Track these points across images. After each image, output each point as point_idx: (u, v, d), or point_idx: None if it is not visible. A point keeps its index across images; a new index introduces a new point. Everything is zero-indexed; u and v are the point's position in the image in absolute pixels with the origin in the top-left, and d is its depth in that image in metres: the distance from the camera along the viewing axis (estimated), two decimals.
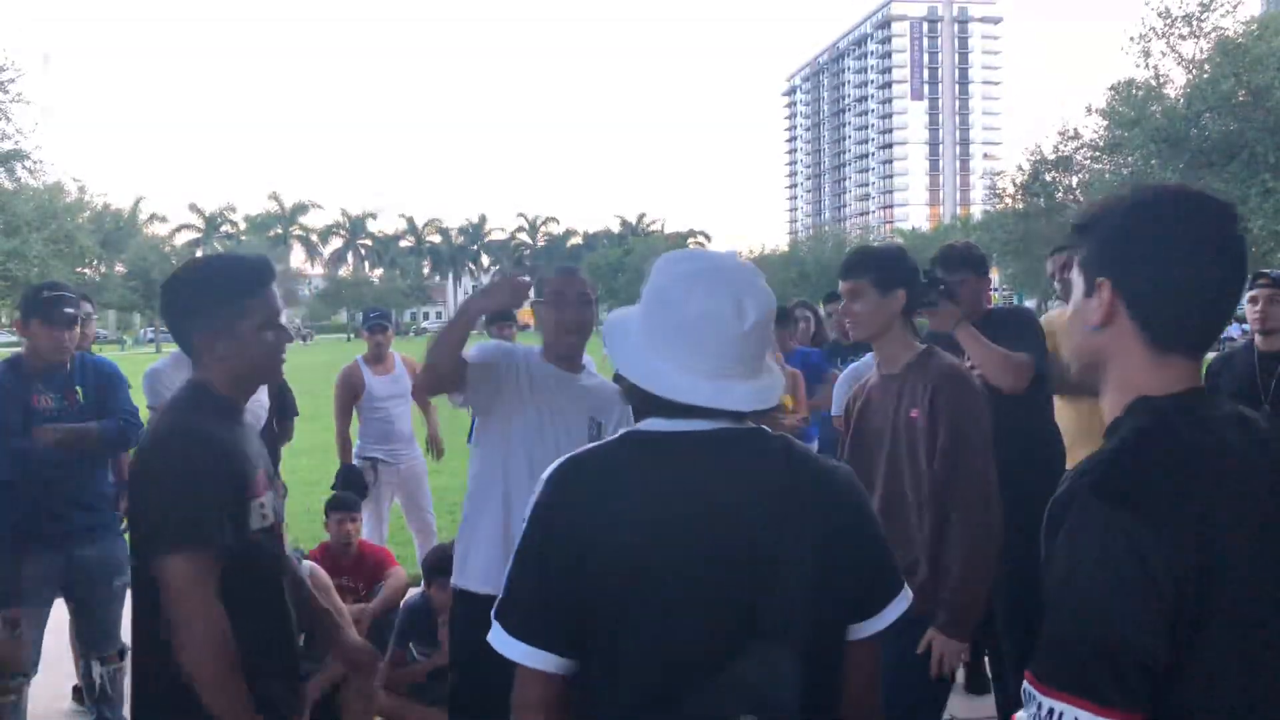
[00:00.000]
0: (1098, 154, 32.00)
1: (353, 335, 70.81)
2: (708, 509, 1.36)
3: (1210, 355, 3.61)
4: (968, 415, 2.66)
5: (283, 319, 2.11)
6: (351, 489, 5.30)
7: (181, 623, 1.85)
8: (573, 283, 3.07)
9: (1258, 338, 4.13)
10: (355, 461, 5.86)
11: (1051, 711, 1.13)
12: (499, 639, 1.41)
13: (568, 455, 1.48)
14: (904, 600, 1.48)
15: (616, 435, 1.48)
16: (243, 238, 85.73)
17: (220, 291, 2.04)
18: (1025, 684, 1.19)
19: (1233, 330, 32.28)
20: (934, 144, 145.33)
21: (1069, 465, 3.74)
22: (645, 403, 1.44)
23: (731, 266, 1.44)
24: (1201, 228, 1.26)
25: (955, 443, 2.64)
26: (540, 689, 1.40)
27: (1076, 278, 1.34)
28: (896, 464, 2.74)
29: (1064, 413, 4.04)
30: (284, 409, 5.11)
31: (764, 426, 1.46)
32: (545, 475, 1.46)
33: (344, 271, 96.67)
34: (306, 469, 9.54)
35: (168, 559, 1.85)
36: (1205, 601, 1.12)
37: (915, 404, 2.72)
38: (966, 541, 2.62)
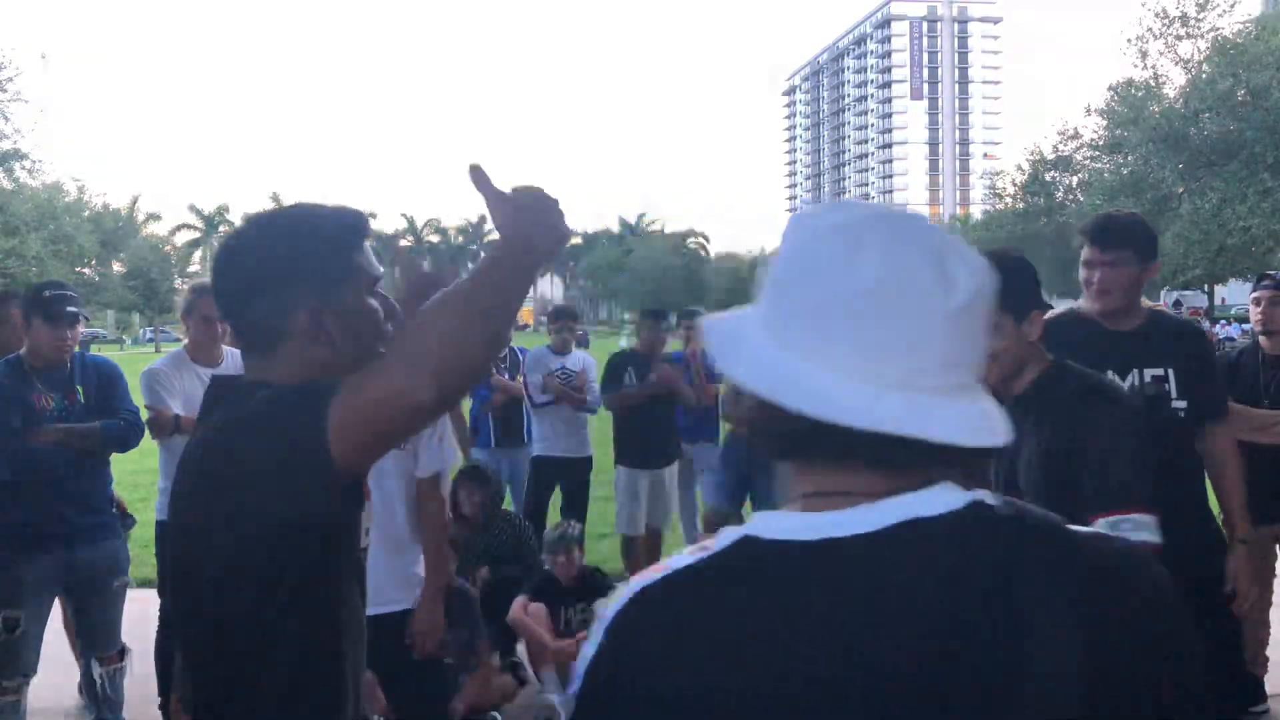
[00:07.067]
0: (1097, 154, 32.04)
1: None
2: (862, 681, 0.76)
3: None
4: None
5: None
6: None
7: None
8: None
9: (1262, 339, 4.14)
10: None
11: None
12: None
13: (643, 580, 0.86)
14: None
15: (730, 542, 0.83)
16: None
17: (329, 246, 1.45)
18: None
19: (1232, 330, 32.33)
20: (934, 144, 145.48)
21: None
22: (781, 439, 0.84)
23: (907, 217, 0.86)
24: None
25: None
26: None
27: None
28: None
29: None
30: None
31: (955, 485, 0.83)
32: (613, 607, 0.86)
33: None
34: None
35: None
36: None
37: None
38: None
